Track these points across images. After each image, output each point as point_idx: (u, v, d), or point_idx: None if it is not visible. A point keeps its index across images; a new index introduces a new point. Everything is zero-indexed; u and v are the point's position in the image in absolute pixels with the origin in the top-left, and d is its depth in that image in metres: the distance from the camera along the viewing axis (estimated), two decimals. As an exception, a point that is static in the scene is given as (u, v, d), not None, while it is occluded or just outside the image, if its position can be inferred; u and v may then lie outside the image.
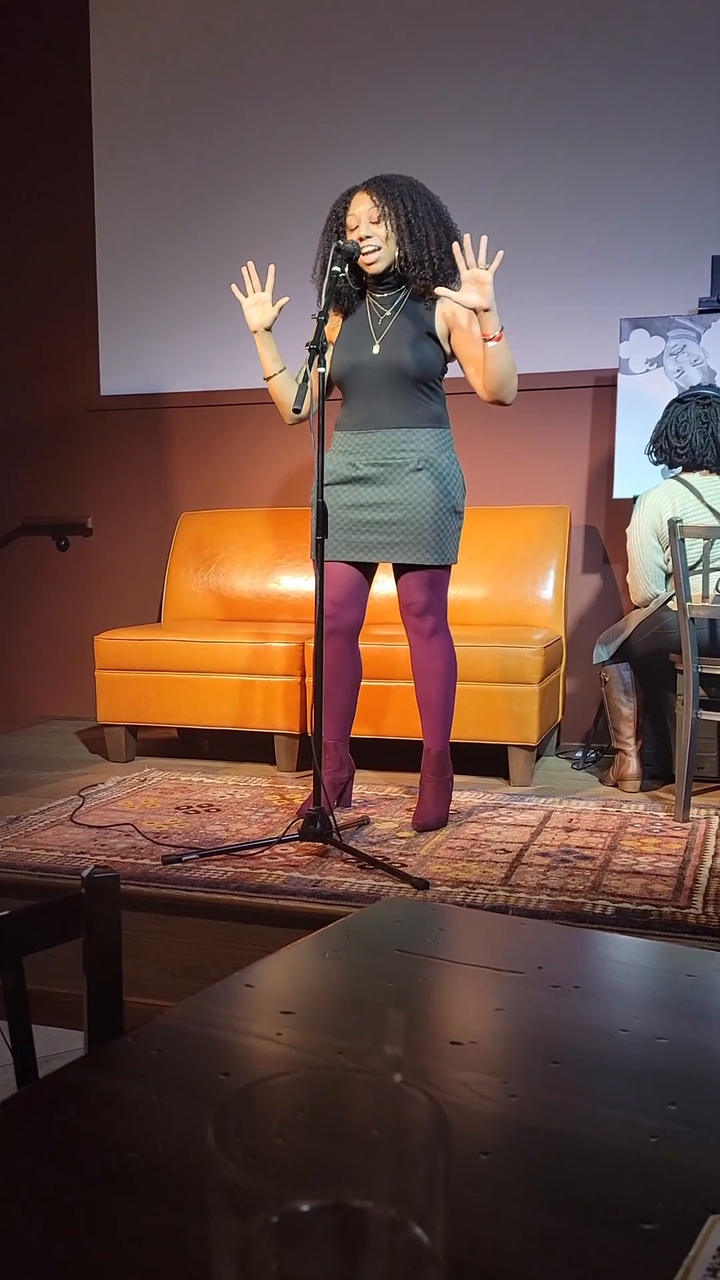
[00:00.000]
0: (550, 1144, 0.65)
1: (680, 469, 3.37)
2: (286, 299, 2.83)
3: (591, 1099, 0.70)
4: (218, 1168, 0.41)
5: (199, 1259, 0.52)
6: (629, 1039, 0.79)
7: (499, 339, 2.62)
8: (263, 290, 2.80)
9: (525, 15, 4.11)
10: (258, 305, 2.79)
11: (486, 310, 2.57)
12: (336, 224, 2.79)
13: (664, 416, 3.34)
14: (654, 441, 3.36)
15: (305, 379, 2.57)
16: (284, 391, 2.85)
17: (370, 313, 2.84)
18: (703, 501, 3.26)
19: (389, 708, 3.56)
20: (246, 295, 2.81)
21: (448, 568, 2.87)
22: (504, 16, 4.14)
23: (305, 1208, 0.42)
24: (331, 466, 2.89)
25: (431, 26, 4.23)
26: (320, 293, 2.77)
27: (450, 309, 2.77)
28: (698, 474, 3.31)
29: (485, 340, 2.62)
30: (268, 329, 2.81)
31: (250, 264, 2.83)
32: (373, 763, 3.65)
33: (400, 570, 2.87)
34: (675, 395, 3.41)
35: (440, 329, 2.80)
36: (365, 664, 3.37)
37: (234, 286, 2.88)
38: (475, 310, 2.59)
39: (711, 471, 3.29)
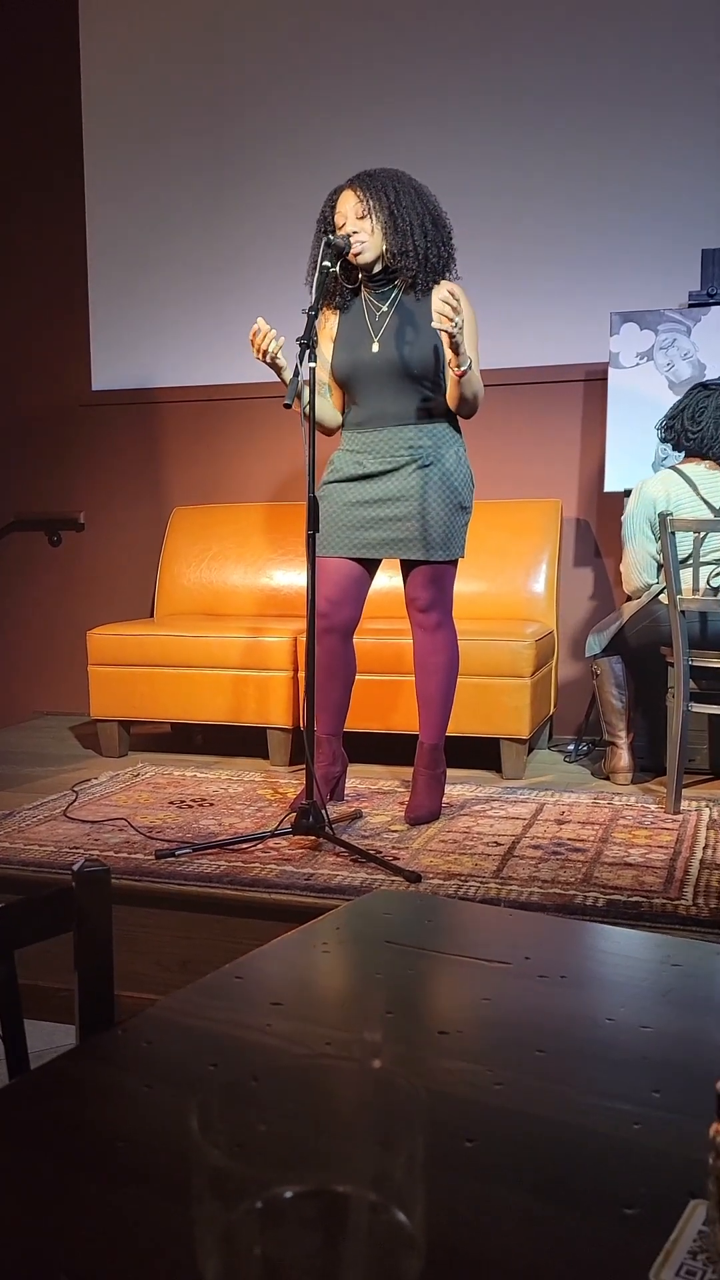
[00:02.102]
0: (534, 1130, 0.66)
1: (683, 456, 3.37)
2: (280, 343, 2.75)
3: (576, 1086, 0.71)
4: (203, 1155, 0.42)
5: (188, 1245, 0.53)
6: (614, 1027, 0.80)
7: (462, 374, 2.64)
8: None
9: (518, 8, 4.11)
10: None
11: (457, 344, 2.56)
12: (326, 225, 2.79)
13: (685, 397, 3.32)
14: (668, 419, 3.34)
15: (296, 374, 2.57)
16: (320, 415, 2.86)
17: (367, 310, 2.84)
18: (698, 494, 3.27)
19: (396, 702, 3.56)
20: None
21: (454, 563, 2.87)
22: (498, 9, 4.13)
23: (288, 1193, 0.42)
24: (338, 465, 2.90)
25: (424, 18, 4.22)
26: (312, 290, 2.78)
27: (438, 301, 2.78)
28: (699, 465, 3.30)
29: (458, 372, 2.63)
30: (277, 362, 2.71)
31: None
32: (370, 756, 3.66)
33: (406, 566, 2.87)
34: (700, 381, 3.40)
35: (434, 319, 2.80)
36: (374, 659, 3.37)
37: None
38: (452, 344, 2.57)
39: (715, 464, 3.29)
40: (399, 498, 2.81)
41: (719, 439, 3.24)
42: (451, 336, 2.53)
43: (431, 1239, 0.44)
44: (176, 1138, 0.64)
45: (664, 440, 3.39)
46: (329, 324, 2.92)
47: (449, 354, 2.60)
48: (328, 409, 2.93)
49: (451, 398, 2.78)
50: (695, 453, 3.30)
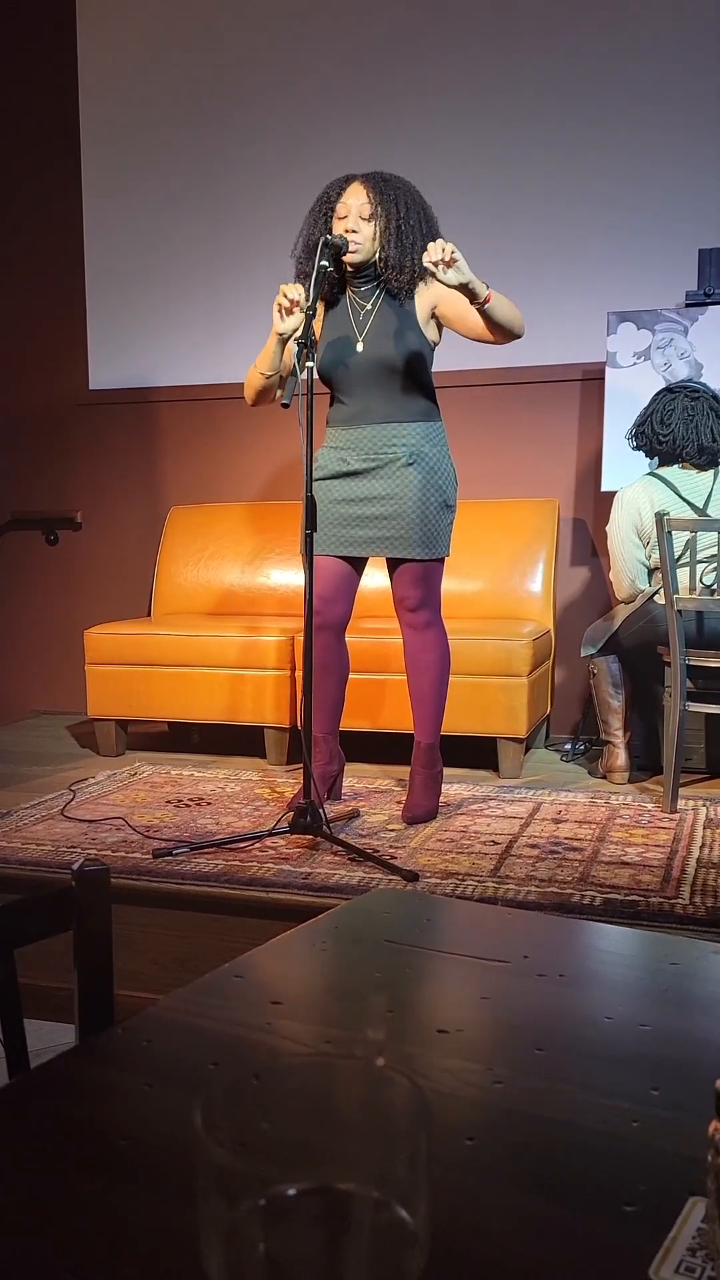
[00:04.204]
0: (534, 1129, 0.66)
1: (657, 461, 3.38)
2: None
3: (575, 1084, 0.71)
4: (206, 1153, 0.42)
5: (190, 1244, 0.53)
6: (612, 1026, 0.80)
7: (489, 299, 2.60)
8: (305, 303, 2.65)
9: (517, 8, 4.11)
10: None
11: (466, 283, 2.52)
12: (327, 208, 2.79)
13: (650, 404, 3.35)
14: (637, 426, 3.37)
15: (294, 373, 2.57)
16: (261, 386, 2.82)
17: (351, 308, 2.85)
18: (680, 496, 3.28)
19: (384, 701, 3.57)
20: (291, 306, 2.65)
21: (441, 561, 2.88)
22: (497, 8, 4.13)
23: (291, 1191, 0.43)
24: (323, 462, 2.90)
25: (422, 18, 4.22)
26: (299, 273, 2.80)
27: (439, 296, 2.78)
28: (675, 467, 3.32)
29: (482, 306, 2.60)
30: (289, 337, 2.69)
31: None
32: (365, 755, 3.66)
33: (393, 565, 2.88)
34: (664, 385, 3.43)
35: (423, 314, 2.81)
36: (359, 657, 3.38)
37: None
38: (462, 287, 2.54)
39: (689, 465, 3.31)
40: (386, 496, 2.81)
41: (690, 440, 3.25)
42: (460, 283, 2.50)
43: (433, 1236, 0.44)
44: (178, 1137, 0.64)
45: (636, 448, 3.40)
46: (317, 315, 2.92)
47: (471, 297, 2.56)
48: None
49: (495, 329, 2.68)
50: (668, 456, 3.32)
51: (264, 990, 0.87)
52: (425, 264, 2.50)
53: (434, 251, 2.48)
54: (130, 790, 3.35)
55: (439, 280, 2.52)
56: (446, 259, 2.48)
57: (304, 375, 2.56)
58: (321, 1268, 0.41)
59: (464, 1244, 0.55)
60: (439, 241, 2.49)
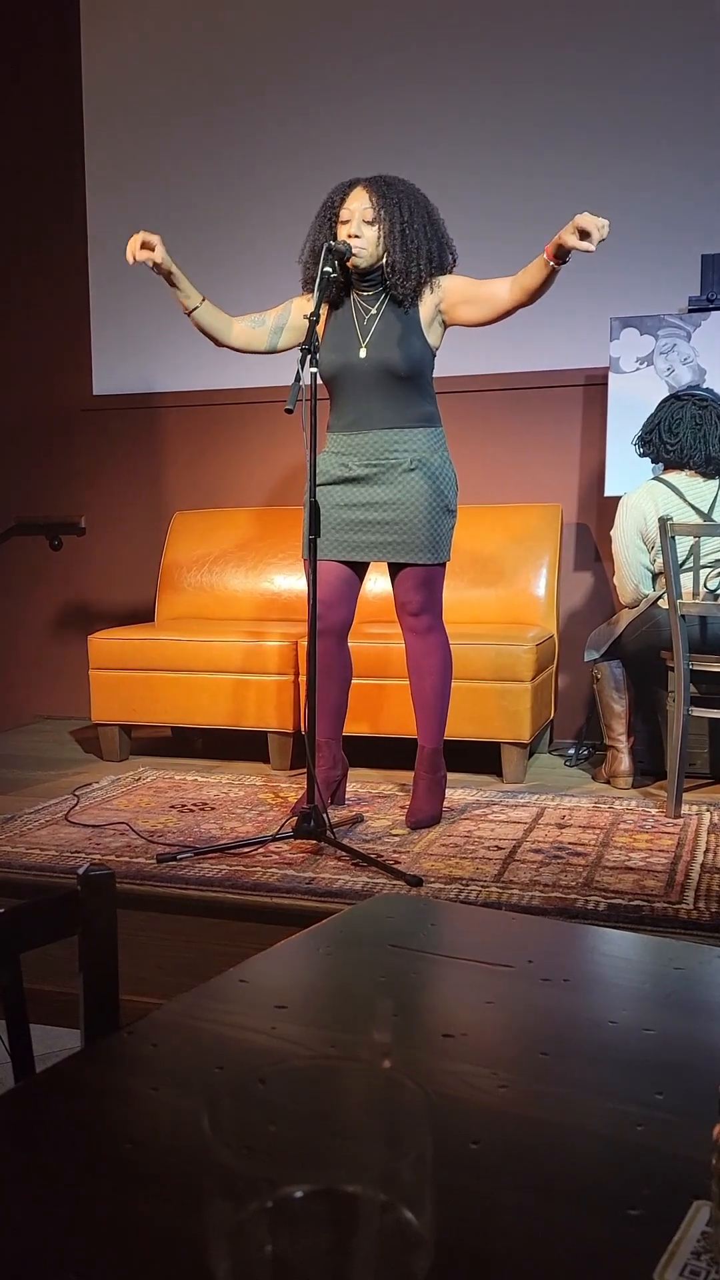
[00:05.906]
0: (539, 1133, 0.66)
1: (663, 467, 3.39)
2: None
3: (579, 1089, 0.72)
4: (214, 1155, 0.43)
5: (196, 1246, 0.53)
6: (617, 1030, 0.80)
7: (560, 266, 2.69)
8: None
9: (521, 15, 4.12)
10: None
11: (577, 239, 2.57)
12: (331, 213, 2.79)
13: (658, 410, 3.35)
14: (644, 434, 3.37)
15: (297, 379, 2.58)
16: (211, 322, 2.94)
17: (355, 312, 2.85)
18: (685, 501, 3.28)
19: (384, 705, 3.57)
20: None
21: (442, 565, 2.88)
22: (500, 15, 4.15)
23: (298, 1193, 0.43)
24: (324, 467, 2.90)
25: (429, 23, 4.23)
26: (306, 279, 2.82)
27: (446, 289, 2.78)
28: (681, 474, 3.33)
29: (560, 264, 2.68)
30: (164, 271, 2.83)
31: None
32: (366, 760, 3.66)
33: (395, 569, 2.88)
34: (671, 392, 3.42)
35: (427, 318, 2.81)
36: (360, 662, 3.39)
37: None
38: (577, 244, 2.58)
39: (696, 472, 3.31)
40: (390, 502, 2.82)
41: (698, 449, 3.25)
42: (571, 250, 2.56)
43: (438, 1239, 0.45)
44: (184, 1140, 0.65)
45: (642, 454, 3.40)
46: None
47: (561, 246, 2.62)
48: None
49: (513, 303, 2.77)
50: (675, 464, 3.32)
51: (269, 994, 0.87)
52: (586, 234, 2.55)
53: (596, 231, 2.54)
54: (134, 795, 3.36)
55: (580, 248, 2.56)
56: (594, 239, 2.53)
57: (307, 380, 2.57)
58: (328, 1269, 0.42)
59: (469, 1246, 0.55)
60: (594, 221, 2.55)
